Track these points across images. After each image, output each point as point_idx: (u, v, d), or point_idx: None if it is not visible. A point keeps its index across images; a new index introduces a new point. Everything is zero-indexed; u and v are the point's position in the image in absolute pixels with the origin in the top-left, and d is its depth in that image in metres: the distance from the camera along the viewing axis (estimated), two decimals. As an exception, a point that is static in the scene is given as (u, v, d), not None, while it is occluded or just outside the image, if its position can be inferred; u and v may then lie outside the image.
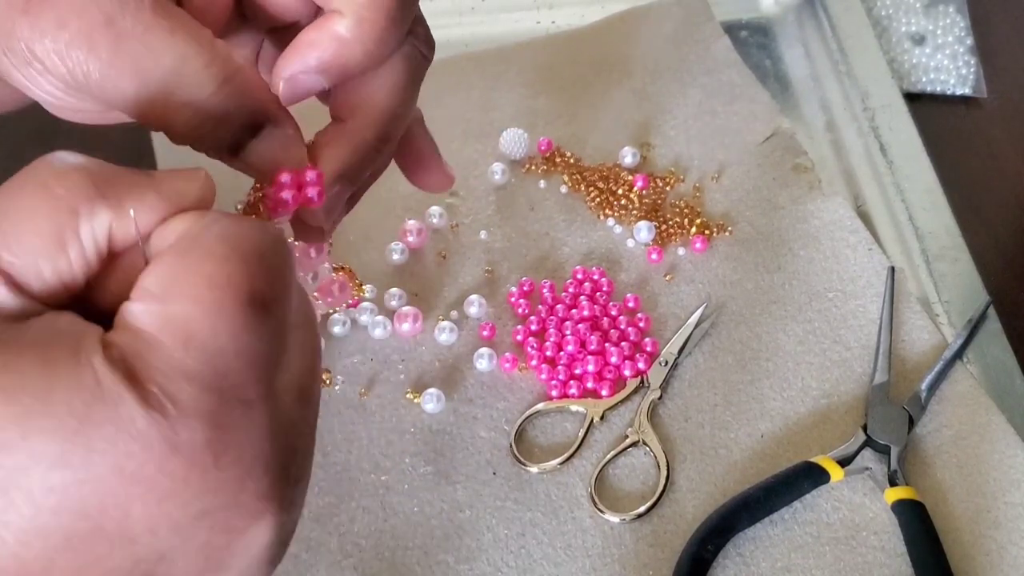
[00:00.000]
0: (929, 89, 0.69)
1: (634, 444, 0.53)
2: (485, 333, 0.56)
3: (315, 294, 0.42)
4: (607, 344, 0.55)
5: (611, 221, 0.60)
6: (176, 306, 0.26)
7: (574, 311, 0.56)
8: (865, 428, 0.52)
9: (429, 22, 0.45)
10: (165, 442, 0.25)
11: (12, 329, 0.26)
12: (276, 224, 0.33)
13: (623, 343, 0.55)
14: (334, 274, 0.46)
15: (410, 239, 0.58)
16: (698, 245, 0.59)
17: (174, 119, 0.34)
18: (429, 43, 0.42)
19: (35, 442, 0.25)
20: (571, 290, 0.57)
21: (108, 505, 0.25)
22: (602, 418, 0.53)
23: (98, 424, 0.25)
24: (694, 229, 0.60)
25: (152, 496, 0.25)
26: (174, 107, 0.34)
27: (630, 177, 0.62)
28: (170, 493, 0.26)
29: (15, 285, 0.27)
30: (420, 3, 0.43)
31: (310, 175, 0.36)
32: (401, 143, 0.42)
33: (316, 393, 0.31)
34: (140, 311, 0.27)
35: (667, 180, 0.62)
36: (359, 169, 0.39)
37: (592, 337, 0.55)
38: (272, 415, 0.27)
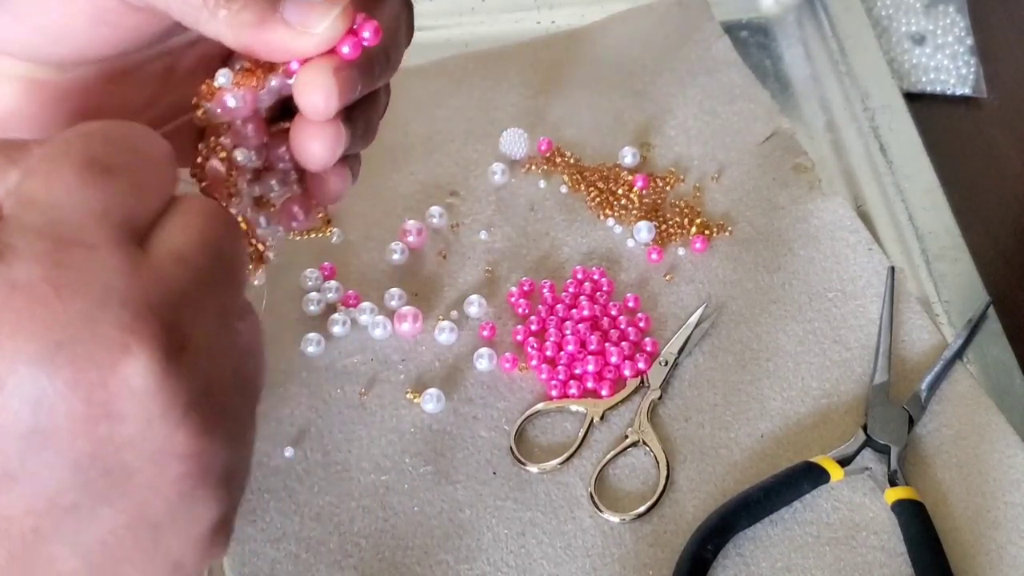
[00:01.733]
0: (929, 89, 0.69)
1: (634, 444, 0.53)
2: (485, 333, 0.56)
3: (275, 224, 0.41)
4: (607, 344, 0.55)
5: (611, 221, 0.60)
6: (25, 182, 0.29)
7: (574, 311, 0.56)
8: (865, 428, 0.52)
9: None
10: (5, 283, 0.27)
11: None
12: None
13: (623, 343, 0.55)
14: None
15: (410, 239, 0.58)
16: (698, 245, 0.59)
17: None
18: None
19: None
20: (571, 290, 0.57)
21: None
22: (602, 418, 0.53)
23: None
24: (694, 229, 0.60)
25: (3, 332, 0.27)
26: None
27: (630, 177, 0.62)
28: (17, 327, 0.27)
29: None
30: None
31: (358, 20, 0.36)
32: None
33: (206, 267, 0.30)
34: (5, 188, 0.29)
35: (667, 180, 0.62)
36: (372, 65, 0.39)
37: (592, 337, 0.55)
38: (124, 258, 0.28)
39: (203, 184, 0.38)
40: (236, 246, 0.32)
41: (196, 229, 0.30)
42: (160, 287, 0.29)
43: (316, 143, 0.37)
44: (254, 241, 0.39)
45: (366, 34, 0.36)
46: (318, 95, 0.36)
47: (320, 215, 0.42)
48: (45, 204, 0.28)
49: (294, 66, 0.36)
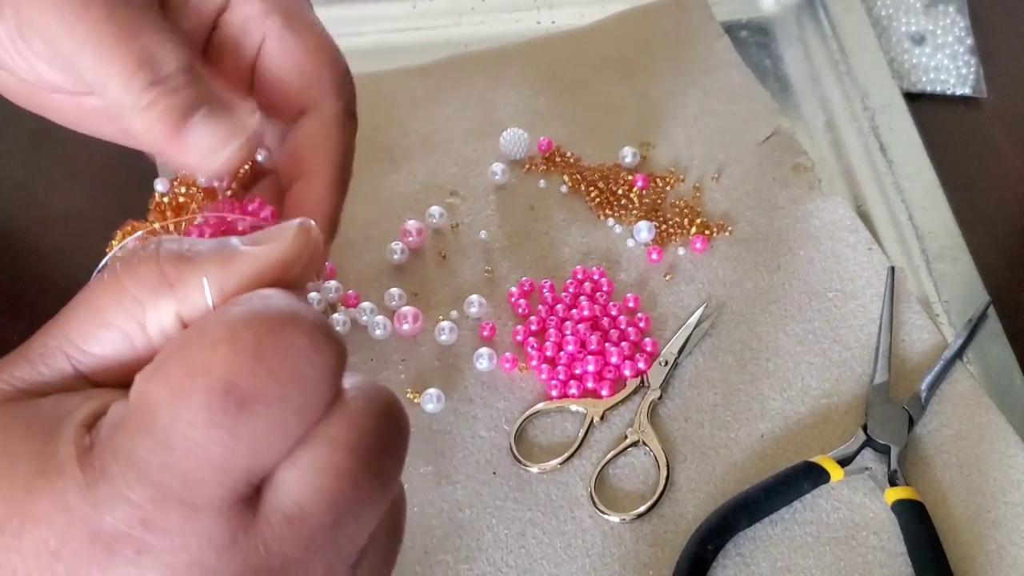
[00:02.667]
0: (929, 89, 0.69)
1: (634, 444, 0.53)
2: (485, 333, 0.56)
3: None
4: (607, 344, 0.55)
5: (611, 221, 0.60)
6: (152, 384, 0.25)
7: (574, 311, 0.56)
8: (865, 428, 0.52)
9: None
10: (87, 524, 0.24)
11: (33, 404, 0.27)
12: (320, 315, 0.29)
13: (623, 343, 0.55)
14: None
15: (410, 239, 0.58)
16: (698, 245, 0.59)
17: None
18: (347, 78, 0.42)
19: None
20: (571, 290, 0.57)
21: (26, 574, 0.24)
22: (602, 418, 0.53)
23: (37, 495, 0.24)
24: (694, 229, 0.60)
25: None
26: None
27: (630, 177, 0.62)
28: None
29: (73, 368, 0.28)
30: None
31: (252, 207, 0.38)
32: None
33: (326, 525, 0.26)
34: (135, 385, 0.26)
35: (667, 180, 0.62)
36: (339, 207, 0.41)
37: (592, 337, 0.55)
38: (226, 527, 0.25)
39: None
40: (373, 497, 0.27)
41: (328, 478, 0.25)
42: (259, 560, 0.25)
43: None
44: None
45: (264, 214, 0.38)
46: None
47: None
48: (162, 438, 0.24)
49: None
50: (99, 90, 0.36)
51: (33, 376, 0.27)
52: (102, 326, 0.27)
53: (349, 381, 0.27)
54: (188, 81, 0.37)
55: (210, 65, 0.42)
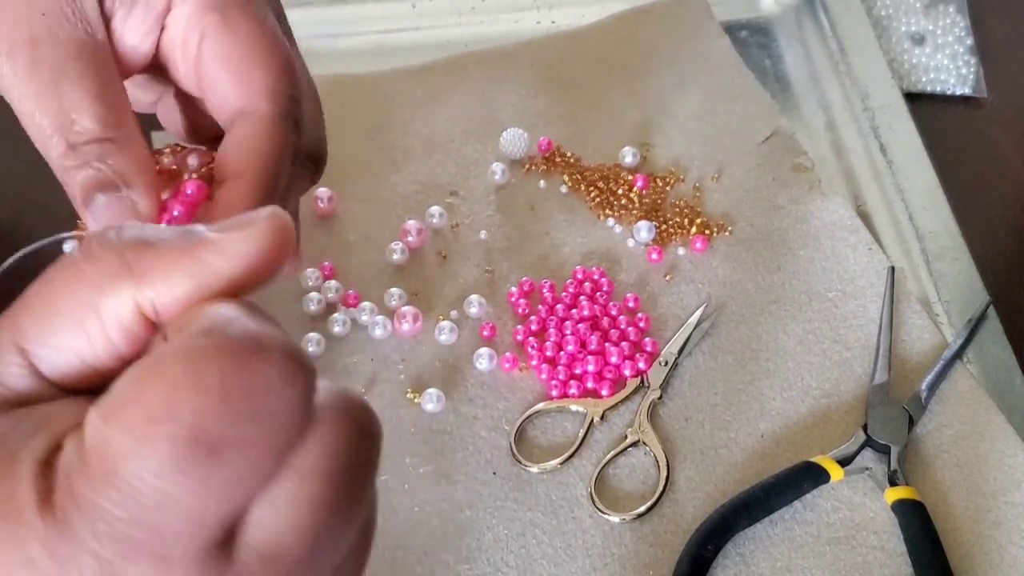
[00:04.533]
0: (929, 89, 0.69)
1: (634, 444, 0.53)
2: (485, 333, 0.56)
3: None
4: (607, 344, 0.55)
5: (611, 221, 0.60)
6: (112, 430, 0.23)
7: (574, 311, 0.56)
8: (865, 428, 0.52)
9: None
10: None
11: None
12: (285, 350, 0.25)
13: (623, 343, 0.55)
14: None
15: (410, 239, 0.58)
16: (698, 245, 0.59)
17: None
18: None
19: None
20: (571, 290, 0.57)
21: None
22: (602, 418, 0.53)
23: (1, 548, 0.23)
24: (694, 229, 0.60)
25: None
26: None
27: (630, 177, 0.62)
28: None
29: (31, 366, 0.26)
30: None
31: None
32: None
33: (304, 557, 0.24)
34: (91, 422, 0.23)
35: (667, 180, 0.62)
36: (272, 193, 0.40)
37: (592, 337, 0.55)
38: (200, 573, 0.23)
39: None
40: (349, 517, 0.26)
41: (303, 510, 0.24)
42: None
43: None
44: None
45: (175, 211, 0.39)
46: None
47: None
48: (128, 490, 0.22)
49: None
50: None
51: None
52: (56, 314, 0.26)
53: (319, 393, 0.25)
54: (97, 152, 0.38)
55: (161, 68, 0.42)
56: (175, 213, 0.39)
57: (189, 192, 0.39)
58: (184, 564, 0.23)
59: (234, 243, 0.26)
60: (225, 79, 0.40)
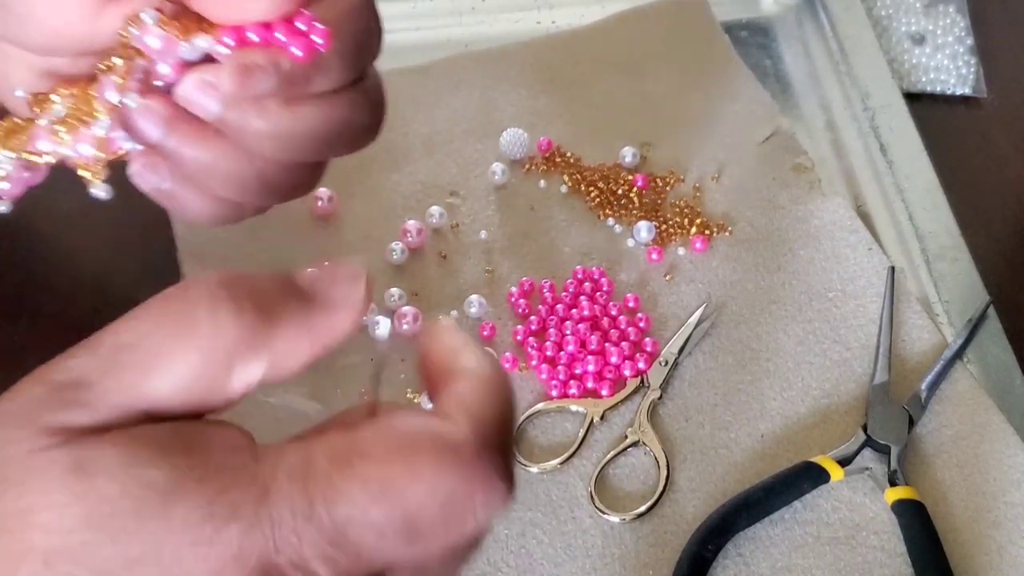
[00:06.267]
0: (929, 89, 0.69)
1: (634, 444, 0.53)
2: (485, 333, 0.56)
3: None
4: (607, 344, 0.55)
5: (611, 221, 0.60)
6: (348, 473, 0.26)
7: (574, 311, 0.56)
8: (865, 428, 0.52)
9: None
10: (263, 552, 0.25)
11: (197, 430, 0.27)
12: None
13: (623, 343, 0.55)
14: None
15: (410, 239, 0.58)
16: (698, 245, 0.59)
17: None
18: None
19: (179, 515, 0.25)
20: (571, 290, 0.57)
21: None
22: (602, 418, 0.53)
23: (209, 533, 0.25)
24: (694, 229, 0.60)
25: None
26: None
27: (630, 177, 0.62)
28: None
29: (148, 413, 0.27)
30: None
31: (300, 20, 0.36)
32: None
33: None
34: (317, 454, 0.26)
35: (667, 180, 0.62)
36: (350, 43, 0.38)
37: (592, 337, 0.55)
38: None
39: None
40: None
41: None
42: None
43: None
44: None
45: (317, 39, 0.35)
46: (227, 74, 0.35)
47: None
48: (341, 528, 0.25)
49: (227, 39, 0.36)
50: None
51: (91, 420, 0.26)
52: (179, 377, 0.27)
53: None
54: None
55: None
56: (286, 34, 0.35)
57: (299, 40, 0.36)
58: None
59: (344, 319, 0.29)
60: None
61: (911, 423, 0.52)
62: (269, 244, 0.57)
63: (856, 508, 0.51)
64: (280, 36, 0.35)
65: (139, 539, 0.24)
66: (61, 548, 0.24)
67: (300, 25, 0.36)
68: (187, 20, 0.36)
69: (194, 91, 0.36)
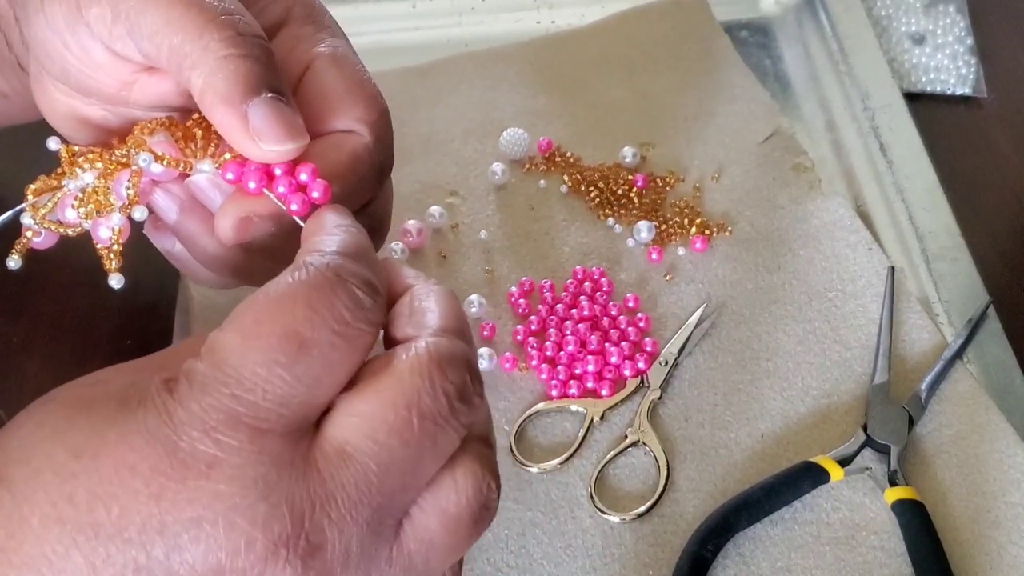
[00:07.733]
0: (929, 89, 0.69)
1: (634, 444, 0.53)
2: (485, 333, 0.56)
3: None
4: (607, 344, 0.55)
5: (611, 221, 0.60)
6: (226, 332, 0.29)
7: (574, 311, 0.56)
8: (865, 428, 0.52)
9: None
10: (164, 443, 0.28)
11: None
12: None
13: (623, 343, 0.55)
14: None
15: (410, 239, 0.58)
16: (698, 245, 0.59)
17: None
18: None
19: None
20: (571, 290, 0.57)
21: (102, 495, 0.28)
22: (602, 418, 0.53)
23: (118, 423, 0.28)
24: (694, 229, 0.60)
25: (151, 493, 0.27)
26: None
27: (630, 177, 0.62)
28: (162, 491, 0.28)
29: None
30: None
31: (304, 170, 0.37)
32: None
33: (372, 474, 0.30)
34: (209, 338, 0.30)
35: (667, 180, 0.62)
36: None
37: (592, 337, 0.55)
38: (287, 450, 0.29)
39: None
40: (418, 447, 0.30)
41: (377, 421, 0.30)
42: (313, 483, 0.29)
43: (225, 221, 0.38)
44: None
45: (315, 194, 0.36)
46: (227, 225, 0.37)
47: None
48: (234, 372, 0.29)
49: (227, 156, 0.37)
50: (170, 46, 0.36)
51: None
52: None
53: (422, 341, 0.31)
54: (266, 54, 0.36)
55: None
56: (303, 177, 0.37)
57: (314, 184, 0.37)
58: (273, 436, 0.28)
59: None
60: (332, 101, 0.40)
61: (911, 423, 0.52)
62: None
63: (856, 508, 0.51)
64: (282, 189, 0.37)
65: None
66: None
67: (303, 174, 0.37)
68: (197, 126, 0.39)
69: (222, 221, 0.38)
